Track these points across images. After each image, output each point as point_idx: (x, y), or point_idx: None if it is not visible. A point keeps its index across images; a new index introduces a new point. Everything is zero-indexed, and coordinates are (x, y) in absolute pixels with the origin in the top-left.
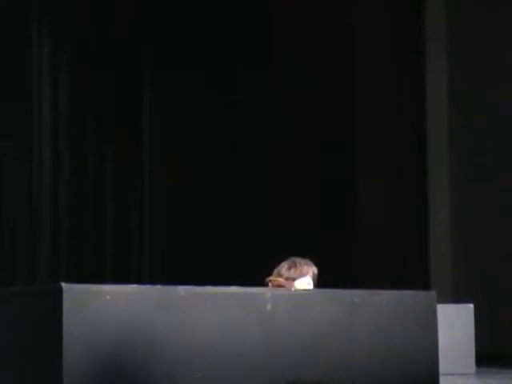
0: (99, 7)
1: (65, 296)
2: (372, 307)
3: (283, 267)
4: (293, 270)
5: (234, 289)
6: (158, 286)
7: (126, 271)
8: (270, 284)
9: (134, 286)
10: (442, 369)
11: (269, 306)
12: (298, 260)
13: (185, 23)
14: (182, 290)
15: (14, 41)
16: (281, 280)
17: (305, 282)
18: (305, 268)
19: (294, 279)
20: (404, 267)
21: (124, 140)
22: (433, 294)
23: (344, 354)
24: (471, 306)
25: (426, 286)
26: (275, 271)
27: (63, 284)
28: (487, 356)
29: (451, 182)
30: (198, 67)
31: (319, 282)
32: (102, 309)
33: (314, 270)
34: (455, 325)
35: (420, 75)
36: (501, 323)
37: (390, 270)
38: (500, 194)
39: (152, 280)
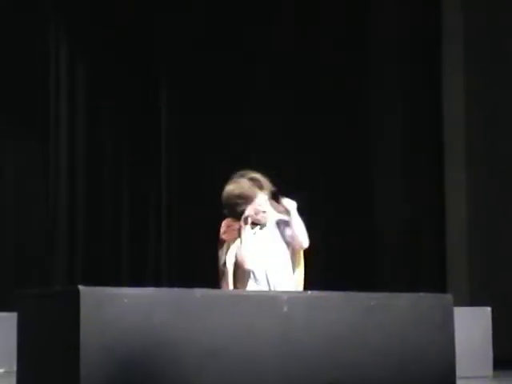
0: (117, 6)
1: (82, 299)
2: (388, 310)
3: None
4: (257, 184)
5: (250, 291)
6: (175, 289)
7: (143, 270)
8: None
9: (151, 288)
10: (459, 372)
11: (285, 309)
12: (252, 178)
13: (201, 20)
14: (198, 292)
15: (31, 48)
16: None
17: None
18: (263, 182)
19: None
20: (421, 270)
21: (141, 141)
22: (449, 296)
23: (360, 357)
24: (489, 309)
25: (442, 288)
26: (249, 209)
27: (80, 287)
28: (505, 359)
29: (468, 183)
30: (216, 63)
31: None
32: (119, 311)
33: (268, 185)
34: (472, 328)
35: (436, 77)
36: None
37: (407, 273)
38: None
39: (170, 278)
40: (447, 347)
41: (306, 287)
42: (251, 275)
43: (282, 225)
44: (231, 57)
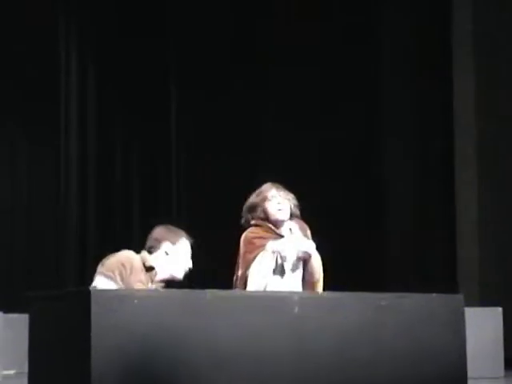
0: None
1: (93, 300)
2: (399, 310)
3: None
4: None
5: (261, 292)
6: (185, 290)
7: None
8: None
9: (161, 289)
10: (470, 372)
11: (296, 310)
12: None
13: (210, 20)
14: (208, 293)
15: (42, 51)
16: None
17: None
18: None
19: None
20: (431, 270)
21: (151, 137)
22: (460, 297)
23: (371, 358)
24: (500, 309)
25: (453, 288)
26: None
27: (91, 288)
28: None
29: (479, 184)
30: (223, 60)
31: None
32: (130, 313)
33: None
34: (483, 328)
35: (447, 77)
36: None
37: (417, 273)
38: None
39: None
40: (458, 347)
41: None
42: None
43: (300, 260)
44: (242, 55)
